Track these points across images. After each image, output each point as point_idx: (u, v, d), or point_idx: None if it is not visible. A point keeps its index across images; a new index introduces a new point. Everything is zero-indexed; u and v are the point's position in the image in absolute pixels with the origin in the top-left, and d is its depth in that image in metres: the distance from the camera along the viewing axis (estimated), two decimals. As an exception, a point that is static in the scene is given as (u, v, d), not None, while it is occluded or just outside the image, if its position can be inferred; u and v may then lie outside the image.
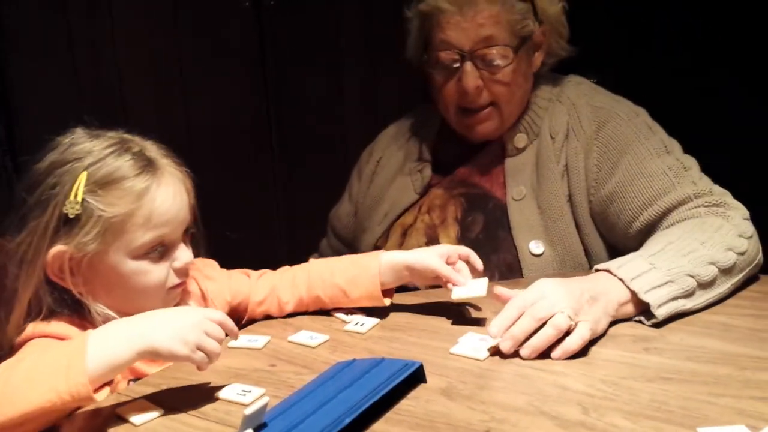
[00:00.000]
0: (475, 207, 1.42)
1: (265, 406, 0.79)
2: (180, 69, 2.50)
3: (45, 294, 1.00)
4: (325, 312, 1.20)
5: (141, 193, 1.00)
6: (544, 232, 1.36)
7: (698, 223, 1.19)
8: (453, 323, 1.11)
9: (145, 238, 1.01)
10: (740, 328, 1.04)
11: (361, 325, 1.12)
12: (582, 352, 0.97)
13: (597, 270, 1.11)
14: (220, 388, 0.93)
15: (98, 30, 2.32)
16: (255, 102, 2.67)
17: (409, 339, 1.08)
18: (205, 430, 0.84)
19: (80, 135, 1.04)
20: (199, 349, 0.87)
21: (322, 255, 1.72)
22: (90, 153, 1.01)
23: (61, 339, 0.98)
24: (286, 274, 1.22)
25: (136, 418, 0.87)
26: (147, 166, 1.02)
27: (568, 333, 0.97)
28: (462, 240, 1.39)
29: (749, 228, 1.20)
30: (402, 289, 1.23)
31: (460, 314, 1.14)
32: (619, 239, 1.33)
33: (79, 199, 0.97)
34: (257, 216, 2.69)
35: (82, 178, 0.98)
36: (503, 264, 1.35)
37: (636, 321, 1.07)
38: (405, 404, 0.87)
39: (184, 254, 1.06)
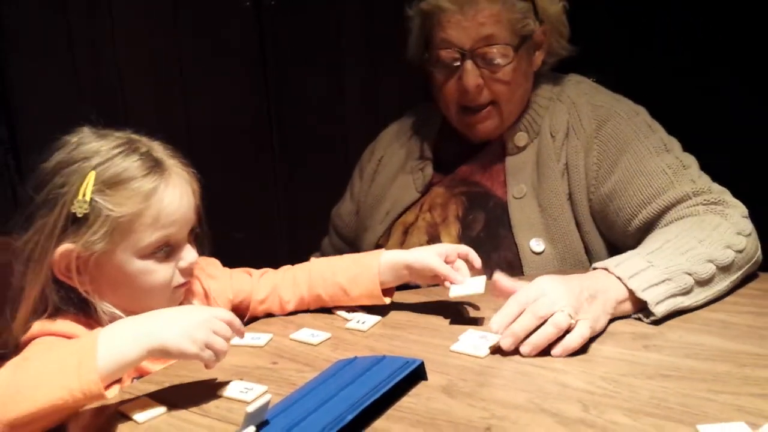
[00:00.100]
0: (476, 205, 1.42)
1: (267, 403, 0.79)
2: (180, 69, 2.50)
3: (51, 292, 1.01)
4: (327, 310, 1.20)
5: (149, 194, 1.01)
6: (544, 230, 1.36)
7: (697, 221, 1.19)
8: (453, 321, 1.12)
9: (152, 238, 1.01)
10: (739, 325, 1.04)
11: (363, 323, 1.13)
12: (582, 349, 0.97)
13: (595, 268, 1.11)
14: (222, 385, 0.93)
15: (98, 30, 2.32)
16: (255, 102, 2.67)
17: (410, 337, 1.08)
18: (208, 428, 0.85)
19: (87, 134, 1.05)
20: (208, 347, 0.88)
21: (323, 253, 1.73)
22: (98, 153, 1.01)
23: (68, 337, 0.98)
24: (288, 273, 1.23)
25: (140, 416, 0.87)
26: (155, 166, 1.03)
27: (568, 331, 0.97)
28: (463, 238, 1.39)
29: (748, 226, 1.20)
30: (403, 287, 1.23)
31: (461, 312, 1.14)
32: (618, 237, 1.33)
33: (88, 198, 0.98)
34: (258, 216, 2.70)
35: (91, 177, 0.99)
36: (504, 262, 1.35)
37: (635, 318, 1.07)
38: (406, 401, 0.87)
39: (189, 254, 1.07)
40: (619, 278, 1.06)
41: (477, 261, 1.16)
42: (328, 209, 1.73)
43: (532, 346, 0.97)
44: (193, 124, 2.51)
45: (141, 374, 1.01)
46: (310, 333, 1.10)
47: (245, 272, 1.24)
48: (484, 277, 1.12)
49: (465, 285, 1.12)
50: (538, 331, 0.97)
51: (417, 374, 0.92)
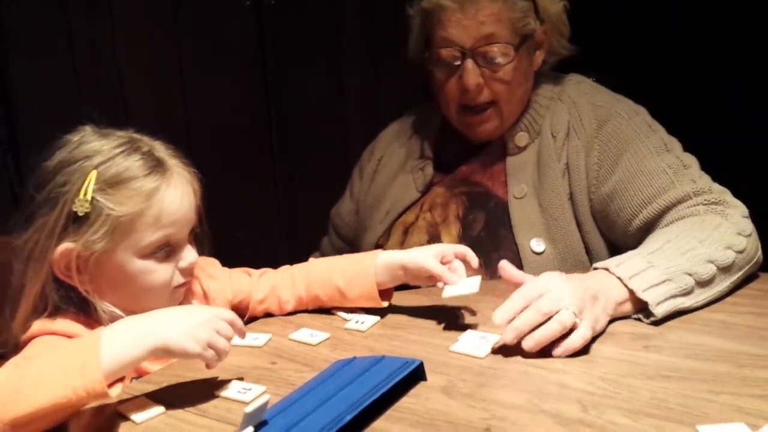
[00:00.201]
0: (477, 205, 1.42)
1: (266, 403, 0.79)
2: (180, 69, 2.50)
3: (51, 291, 1.01)
4: (326, 310, 1.20)
5: (150, 193, 1.01)
6: (545, 230, 1.36)
7: (697, 221, 1.19)
8: (453, 321, 1.12)
9: (152, 238, 1.01)
10: (739, 325, 1.04)
11: (362, 323, 1.13)
12: (582, 350, 0.97)
13: (596, 268, 1.11)
14: (221, 385, 0.93)
15: (98, 30, 2.32)
16: (255, 102, 2.67)
17: (410, 337, 1.08)
18: (206, 428, 0.84)
19: (89, 133, 1.05)
20: (210, 346, 0.88)
21: (323, 253, 1.73)
22: (99, 152, 1.01)
23: (68, 337, 0.98)
24: (286, 273, 1.23)
25: (138, 416, 0.87)
26: (156, 166, 1.03)
27: (572, 329, 0.97)
28: (463, 238, 1.39)
29: (748, 226, 1.20)
30: (403, 287, 1.23)
31: (461, 313, 1.14)
32: (619, 237, 1.33)
33: (89, 197, 0.98)
34: (258, 216, 2.70)
35: (92, 176, 0.99)
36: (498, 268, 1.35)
37: (635, 319, 1.07)
38: (405, 402, 0.87)
39: (189, 254, 1.07)
40: (619, 279, 1.06)
41: (474, 261, 1.15)
42: (328, 209, 1.73)
43: (535, 341, 0.96)
44: (193, 124, 2.51)
45: (139, 374, 1.00)
46: (309, 333, 1.10)
47: (244, 272, 1.24)
48: (479, 277, 1.11)
49: (459, 285, 1.10)
50: (542, 327, 0.96)
51: (416, 374, 0.92)
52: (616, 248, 1.33)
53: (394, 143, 1.60)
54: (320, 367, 0.96)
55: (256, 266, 1.26)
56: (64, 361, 0.83)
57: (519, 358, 0.97)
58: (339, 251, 1.67)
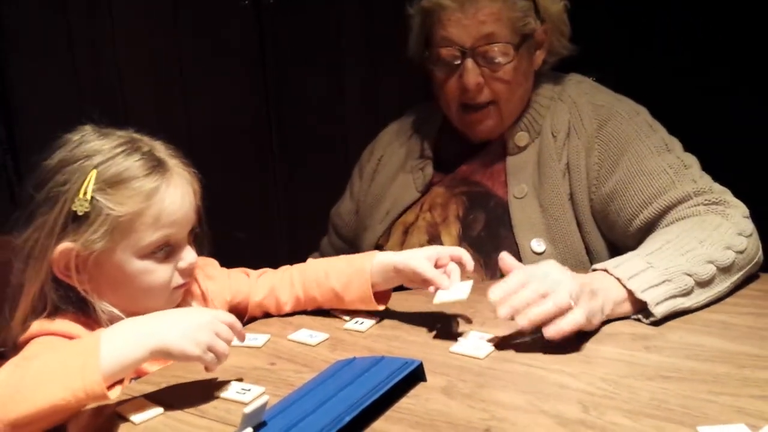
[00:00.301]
0: (477, 205, 1.42)
1: (265, 404, 0.79)
2: (180, 69, 2.50)
3: (50, 291, 1.01)
4: (325, 310, 1.20)
5: (150, 193, 1.01)
6: (545, 231, 1.36)
7: (697, 222, 1.19)
8: (453, 322, 1.11)
9: (152, 238, 1.01)
10: (740, 326, 1.04)
11: (361, 323, 1.13)
12: (582, 350, 0.97)
13: (594, 269, 1.11)
14: (220, 386, 0.93)
15: (98, 30, 2.32)
16: (255, 102, 2.67)
17: (409, 337, 1.08)
18: (205, 429, 0.84)
19: (90, 133, 1.05)
20: (210, 349, 0.88)
21: (322, 253, 1.72)
22: (100, 151, 1.01)
23: (66, 337, 0.98)
24: (285, 274, 1.22)
25: (137, 417, 0.87)
26: (157, 166, 1.03)
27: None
28: (463, 238, 1.39)
29: (749, 226, 1.20)
30: (402, 287, 1.23)
31: (461, 313, 1.14)
32: (619, 237, 1.33)
33: (89, 196, 0.98)
34: (258, 216, 2.70)
35: (92, 175, 0.99)
36: (500, 267, 1.34)
37: (635, 319, 1.07)
38: (405, 403, 0.87)
39: (189, 255, 1.07)
40: (618, 279, 1.06)
41: (470, 264, 1.12)
42: (328, 209, 1.73)
43: (528, 319, 0.96)
44: (193, 124, 2.51)
45: (138, 375, 1.00)
46: (309, 333, 1.10)
47: (243, 273, 1.23)
48: (471, 282, 1.08)
49: (451, 290, 1.07)
50: (538, 305, 0.96)
51: (416, 375, 0.91)
52: (616, 248, 1.32)
53: (394, 143, 1.60)
54: (319, 368, 0.96)
55: (256, 266, 1.26)
56: (64, 362, 0.83)
57: (519, 359, 0.97)
58: (339, 251, 1.67)
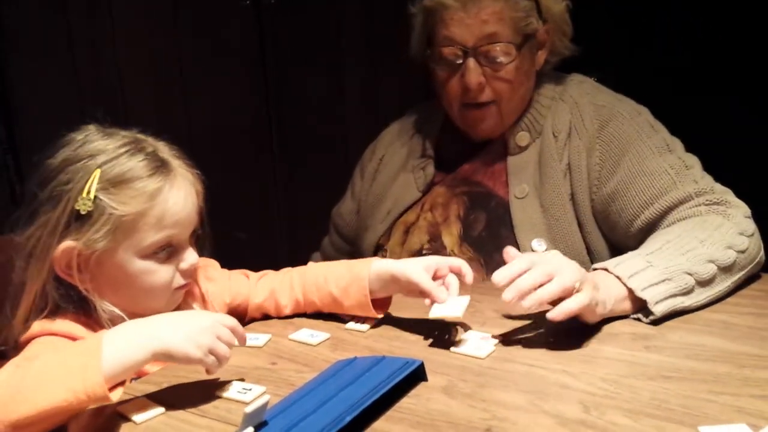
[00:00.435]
0: (478, 205, 1.42)
1: (266, 404, 0.79)
2: (180, 69, 2.50)
3: (52, 289, 1.01)
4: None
5: (153, 194, 1.01)
6: (546, 231, 1.36)
7: (699, 222, 1.19)
8: (454, 322, 1.11)
9: (154, 238, 1.01)
10: (740, 326, 1.04)
11: (362, 323, 1.12)
12: (582, 350, 0.97)
13: (595, 269, 1.11)
14: (221, 386, 0.93)
15: (98, 30, 2.32)
16: (255, 102, 2.66)
17: (410, 337, 1.08)
18: (206, 428, 0.84)
19: (93, 132, 1.05)
20: (211, 352, 0.88)
21: (323, 252, 1.73)
22: (104, 151, 1.01)
23: (67, 337, 0.98)
24: (285, 277, 1.22)
25: (138, 416, 0.87)
26: (160, 167, 1.03)
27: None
28: (464, 238, 1.39)
29: (750, 226, 1.20)
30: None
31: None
32: (620, 238, 1.33)
33: (92, 196, 0.98)
34: (258, 216, 2.69)
35: (96, 175, 0.99)
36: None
37: (634, 319, 1.07)
38: (406, 402, 0.87)
39: (190, 256, 1.07)
40: (618, 277, 1.06)
41: (469, 275, 1.09)
42: (328, 209, 1.73)
43: (533, 300, 0.96)
44: (193, 124, 2.51)
45: (139, 375, 1.00)
46: (309, 333, 1.10)
47: (243, 275, 1.23)
48: (468, 298, 1.06)
49: (446, 306, 1.04)
50: (543, 286, 0.96)
51: (417, 375, 0.91)
52: (617, 249, 1.32)
53: (395, 142, 1.60)
54: (320, 368, 0.96)
55: (256, 266, 1.26)
56: (65, 363, 0.83)
57: (520, 359, 0.97)
58: (340, 251, 1.67)
